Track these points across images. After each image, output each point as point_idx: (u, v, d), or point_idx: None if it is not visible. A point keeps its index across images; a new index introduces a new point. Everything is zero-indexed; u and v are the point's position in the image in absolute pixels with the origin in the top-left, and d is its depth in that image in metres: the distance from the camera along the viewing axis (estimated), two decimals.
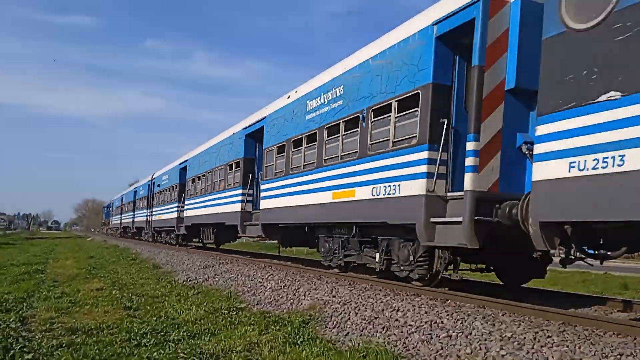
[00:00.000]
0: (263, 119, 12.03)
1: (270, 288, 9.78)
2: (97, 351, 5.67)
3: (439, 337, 5.54)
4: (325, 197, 7.92)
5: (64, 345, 5.89)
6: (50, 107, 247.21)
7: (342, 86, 7.36)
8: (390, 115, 6.14)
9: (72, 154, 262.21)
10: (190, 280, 12.36)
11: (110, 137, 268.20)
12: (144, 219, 30.85)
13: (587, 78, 3.30)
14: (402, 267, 6.51)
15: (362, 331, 6.31)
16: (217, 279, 12.04)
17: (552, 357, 3.95)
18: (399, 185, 6.03)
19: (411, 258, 6.18)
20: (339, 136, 7.64)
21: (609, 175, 2.95)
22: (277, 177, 10.89)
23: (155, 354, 5.60)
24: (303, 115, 9.00)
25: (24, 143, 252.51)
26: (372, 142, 6.68)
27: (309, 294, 8.69)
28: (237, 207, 14.12)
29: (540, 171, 3.76)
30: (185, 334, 6.59)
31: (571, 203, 3.41)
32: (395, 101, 6.10)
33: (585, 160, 3.21)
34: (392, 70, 6.07)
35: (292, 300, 8.58)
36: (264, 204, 11.51)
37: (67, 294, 9.88)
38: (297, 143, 9.40)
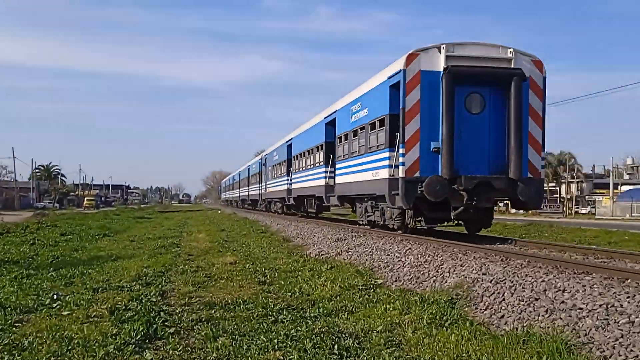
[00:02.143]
0: (335, 112, 18.08)
1: (409, 264, 9.83)
2: (235, 326, 6.16)
3: (618, 322, 5.27)
4: (353, 178, 15.29)
5: (203, 319, 6.50)
6: (176, 77, 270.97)
7: (360, 103, 14.67)
8: (375, 128, 12.75)
9: (198, 125, 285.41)
10: (322, 254, 12.87)
11: (234, 105, 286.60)
12: (257, 192, 40.40)
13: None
14: (389, 222, 13.22)
15: (520, 314, 6.09)
16: (350, 253, 12.38)
17: None
18: (378, 172, 12.78)
19: (393, 216, 12.87)
20: (357, 137, 14.66)
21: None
22: (340, 160, 17.16)
23: (292, 331, 5.93)
24: (350, 116, 15.94)
25: (153, 115, 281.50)
26: (370, 145, 13.49)
27: (454, 270, 8.58)
28: (322, 182, 19.99)
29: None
30: (321, 311, 6.90)
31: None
32: (377, 120, 12.91)
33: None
34: (374, 102, 12.87)
35: (434, 278, 8.54)
36: (337, 180, 17.82)
37: (202, 268, 10.88)
38: (346, 137, 16.42)
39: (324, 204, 21.07)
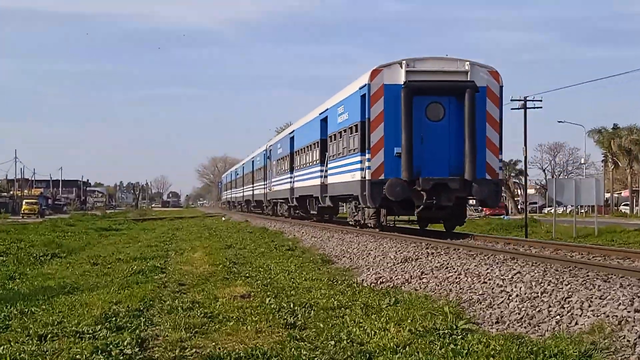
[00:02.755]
0: (327, 109, 26.28)
1: (517, 295, 9.84)
2: None
3: None
4: (339, 178, 22.68)
5: None
6: (159, 17, 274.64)
7: (343, 106, 22.63)
8: (352, 133, 20.84)
9: (191, 88, 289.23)
10: (382, 282, 12.98)
11: (245, 56, 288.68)
12: (262, 191, 47.61)
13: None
14: (367, 221, 21.12)
15: None
16: (425, 279, 12.46)
17: None
18: (354, 174, 20.55)
19: (370, 214, 20.84)
20: (342, 139, 22.24)
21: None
22: (331, 160, 25.02)
23: None
24: (337, 117, 23.74)
25: (123, 75, 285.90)
26: (350, 148, 21.41)
27: (589, 306, 8.56)
28: (318, 182, 27.73)
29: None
30: None
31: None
32: (354, 125, 21.05)
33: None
34: (351, 108, 21.12)
35: (558, 317, 8.54)
36: (328, 180, 25.89)
37: (200, 304, 11.06)
38: (334, 137, 24.31)
39: (320, 205, 29.26)
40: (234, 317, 9.87)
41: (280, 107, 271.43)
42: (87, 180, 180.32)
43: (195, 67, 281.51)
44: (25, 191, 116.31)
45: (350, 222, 26.06)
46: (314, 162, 29.38)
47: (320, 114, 28.37)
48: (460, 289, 11.08)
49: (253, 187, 54.19)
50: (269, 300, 11.19)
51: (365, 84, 20.70)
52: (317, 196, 28.67)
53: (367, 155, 20.57)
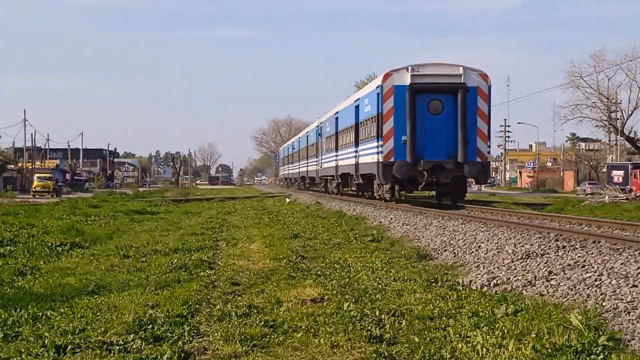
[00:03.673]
0: (358, 99, 41.47)
1: None
2: None
3: None
4: (365, 160, 38.60)
5: None
6: None
7: (367, 99, 38.43)
8: (373, 123, 36.06)
9: (250, 29, 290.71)
10: (496, 285, 12.98)
11: None
12: (315, 167, 62.27)
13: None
14: (385, 195, 36.09)
15: None
16: (554, 281, 12.38)
17: None
18: (373, 157, 35.59)
19: (386, 189, 35.44)
20: (366, 126, 38.59)
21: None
22: (361, 142, 39.63)
23: None
24: (364, 107, 38.97)
25: (155, 20, 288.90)
26: (372, 135, 36.36)
27: None
28: (353, 162, 41.46)
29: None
30: None
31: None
32: (367, 120, 38.01)
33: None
34: (371, 102, 36.42)
35: None
36: (360, 160, 40.13)
37: (258, 309, 11.22)
38: (362, 124, 40.00)
39: (354, 182, 43.64)
40: (303, 327, 9.96)
41: (360, 54, 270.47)
42: (115, 149, 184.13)
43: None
44: (37, 163, 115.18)
45: (376, 197, 39.13)
46: (351, 144, 43.00)
47: (355, 101, 42.80)
48: (602, 294, 10.91)
49: (308, 163, 68.77)
50: (348, 306, 11.23)
51: (379, 85, 34.20)
52: (353, 174, 42.82)
53: (381, 142, 33.54)
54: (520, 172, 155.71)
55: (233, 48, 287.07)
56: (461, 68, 33.09)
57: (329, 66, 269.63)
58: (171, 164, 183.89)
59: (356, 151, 40.71)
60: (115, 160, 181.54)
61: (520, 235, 18.08)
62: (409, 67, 32.88)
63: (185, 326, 10.09)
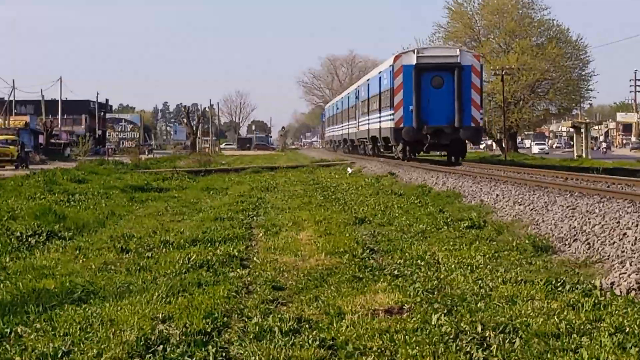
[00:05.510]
0: (381, 71, 67.36)
1: None
2: None
3: None
4: (384, 125, 64.93)
5: None
6: None
7: (384, 74, 65.41)
8: (385, 96, 63.85)
9: None
10: None
11: None
12: (354, 130, 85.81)
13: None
14: (398, 154, 63.57)
15: None
16: None
17: None
18: (386, 122, 63.27)
19: (399, 150, 62.16)
20: (384, 98, 65.23)
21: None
22: (382, 110, 66.60)
23: None
24: (381, 81, 66.52)
25: None
26: (380, 106, 66.52)
27: None
28: (377, 126, 68.80)
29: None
30: None
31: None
32: (385, 91, 63.96)
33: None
34: (386, 78, 63.30)
35: None
36: (382, 125, 66.89)
37: (311, 324, 11.38)
38: (382, 94, 66.76)
39: (377, 144, 70.36)
40: (374, 349, 10.04)
41: None
42: (107, 101, 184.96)
43: None
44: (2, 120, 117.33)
45: (395, 157, 62.39)
46: (376, 110, 64.60)
47: (378, 73, 64.92)
48: None
49: (349, 125, 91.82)
50: (438, 319, 11.27)
51: (391, 65, 55.76)
52: (377, 137, 65.84)
53: (392, 111, 55.17)
54: None
55: None
56: (458, 50, 58.26)
57: None
58: (185, 120, 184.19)
59: (379, 117, 63.14)
60: (108, 116, 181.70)
61: None
62: (415, 50, 57.81)
63: (210, 347, 10.18)
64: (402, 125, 54.43)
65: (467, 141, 61.79)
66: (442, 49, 67.25)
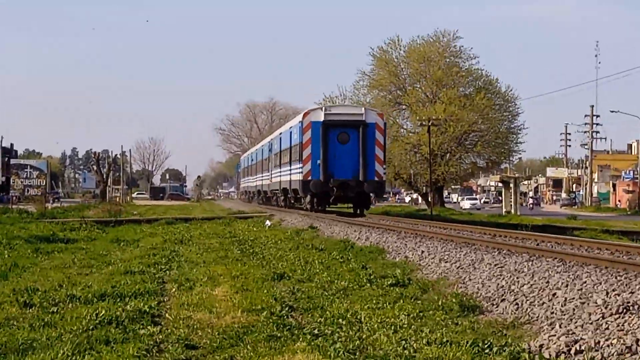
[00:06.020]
0: (291, 126, 76.16)
1: None
2: None
3: None
4: (289, 177, 74.19)
5: None
6: None
7: (291, 131, 75.01)
8: (295, 150, 71.06)
9: None
10: (578, 351, 12.97)
11: None
12: (267, 182, 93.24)
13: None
14: (306, 206, 71.39)
15: None
16: None
17: None
18: (295, 174, 69.54)
19: (307, 201, 68.95)
20: (291, 152, 73.92)
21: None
22: (292, 163, 74.16)
23: None
24: (290, 138, 74.86)
25: None
26: (295, 158, 70.47)
27: None
28: (287, 178, 76.30)
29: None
30: None
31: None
32: (295, 145, 70.98)
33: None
34: (295, 133, 71.35)
35: None
36: (282, 178, 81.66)
37: None
38: (286, 151, 78.43)
39: (288, 195, 75.90)
40: None
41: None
42: (12, 145, 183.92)
43: None
44: None
45: (304, 207, 68.38)
46: (287, 163, 69.62)
47: (289, 128, 70.96)
48: None
49: (262, 176, 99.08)
50: None
51: (300, 121, 62.60)
52: (288, 188, 70.46)
53: (301, 164, 60.62)
54: (614, 186, 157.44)
55: None
56: (363, 108, 66.64)
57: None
58: (95, 167, 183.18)
59: (290, 170, 68.46)
60: (13, 161, 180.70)
61: (615, 278, 18.04)
62: (323, 107, 67.58)
63: None
64: (310, 178, 60.36)
65: (370, 194, 68.48)
66: (348, 107, 78.15)
